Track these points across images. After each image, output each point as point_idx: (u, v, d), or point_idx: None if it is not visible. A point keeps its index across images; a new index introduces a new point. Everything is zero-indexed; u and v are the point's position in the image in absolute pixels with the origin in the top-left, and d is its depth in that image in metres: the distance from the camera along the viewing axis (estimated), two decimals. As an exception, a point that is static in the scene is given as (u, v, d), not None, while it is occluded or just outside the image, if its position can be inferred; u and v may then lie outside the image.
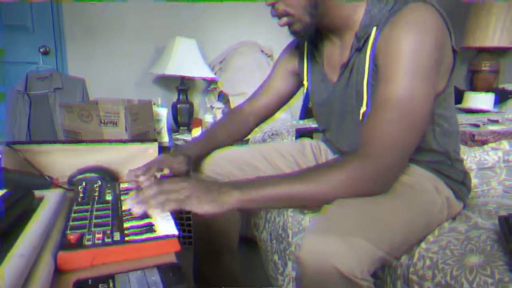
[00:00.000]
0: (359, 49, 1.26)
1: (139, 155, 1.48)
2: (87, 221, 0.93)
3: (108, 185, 1.25)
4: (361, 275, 0.97)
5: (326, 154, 1.69)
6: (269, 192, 1.13)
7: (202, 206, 1.07)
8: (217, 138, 1.64)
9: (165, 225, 0.94)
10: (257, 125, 1.76)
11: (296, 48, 1.58)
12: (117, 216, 0.98)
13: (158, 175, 1.31)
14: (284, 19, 1.26)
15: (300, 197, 1.14)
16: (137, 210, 1.02)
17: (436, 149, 1.33)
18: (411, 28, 1.10)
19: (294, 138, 2.57)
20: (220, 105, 3.78)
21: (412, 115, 1.10)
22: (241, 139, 1.76)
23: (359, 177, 1.11)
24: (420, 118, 1.12)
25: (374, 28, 1.20)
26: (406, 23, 1.11)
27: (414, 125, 1.12)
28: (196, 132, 3.06)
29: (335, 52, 1.39)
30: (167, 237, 0.89)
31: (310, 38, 1.38)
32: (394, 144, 1.11)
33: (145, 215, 1.01)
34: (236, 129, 1.72)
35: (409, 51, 1.09)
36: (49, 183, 1.24)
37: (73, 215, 0.97)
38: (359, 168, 1.11)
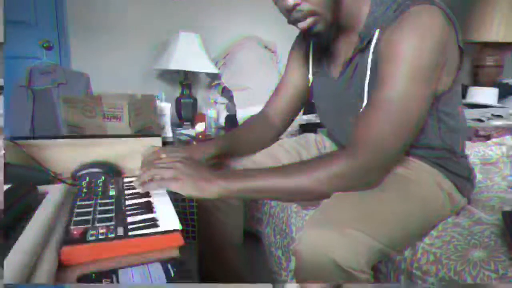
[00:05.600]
0: (362, 49, 1.26)
1: (142, 150, 1.48)
2: (91, 216, 0.93)
3: (112, 180, 1.25)
4: (358, 267, 0.97)
5: (330, 149, 1.69)
6: (254, 183, 1.15)
7: (184, 190, 1.12)
8: (238, 140, 1.59)
9: (168, 220, 0.94)
10: (285, 125, 1.71)
11: (303, 40, 1.58)
12: (120, 211, 0.98)
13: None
14: (310, 20, 1.21)
15: (284, 190, 1.15)
16: (136, 185, 1.15)
17: (441, 146, 1.33)
18: (412, 32, 1.10)
19: (297, 133, 2.57)
20: (223, 100, 3.78)
21: (403, 118, 1.11)
22: (269, 143, 1.68)
23: (343, 173, 1.12)
24: (411, 122, 1.13)
25: (377, 30, 1.20)
26: (408, 27, 1.11)
27: (404, 128, 1.12)
28: (200, 127, 3.05)
29: (339, 49, 1.38)
30: (170, 231, 0.89)
31: (329, 37, 1.33)
32: (381, 144, 1.11)
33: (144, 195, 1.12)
34: (261, 134, 1.66)
35: (408, 55, 1.09)
36: (52, 178, 1.24)
37: (76, 210, 0.97)
38: (344, 165, 1.12)
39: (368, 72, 1.23)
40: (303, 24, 1.22)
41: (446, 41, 1.14)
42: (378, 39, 1.19)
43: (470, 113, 2.74)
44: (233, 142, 1.54)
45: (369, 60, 1.23)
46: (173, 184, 1.11)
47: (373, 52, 1.21)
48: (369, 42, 1.23)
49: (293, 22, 1.23)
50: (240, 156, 1.57)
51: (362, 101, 1.26)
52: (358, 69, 1.28)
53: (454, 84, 1.27)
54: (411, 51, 1.09)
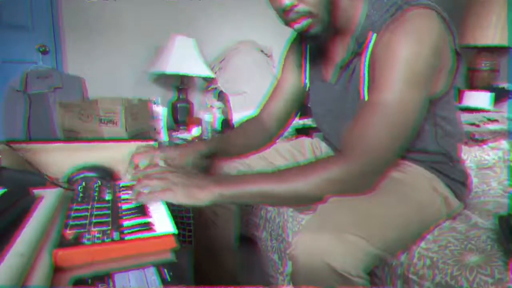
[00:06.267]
0: (359, 53, 1.26)
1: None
2: (85, 220, 0.93)
3: (107, 184, 1.25)
4: (355, 272, 0.97)
5: (326, 153, 1.68)
6: (251, 190, 1.14)
7: (178, 200, 1.11)
8: (230, 142, 1.59)
9: (163, 224, 0.94)
10: (280, 129, 1.71)
11: (299, 43, 1.57)
12: (116, 214, 0.98)
13: (161, 163, 1.32)
14: (306, 21, 1.20)
15: (279, 195, 1.14)
16: (131, 197, 1.13)
17: (437, 151, 1.33)
18: (409, 36, 1.10)
19: (292, 136, 2.56)
20: (219, 104, 3.78)
21: (398, 121, 1.11)
22: (263, 147, 1.67)
23: (339, 178, 1.11)
24: (406, 126, 1.13)
25: (374, 34, 1.20)
26: (405, 31, 1.11)
27: (399, 132, 1.12)
28: (196, 131, 3.05)
29: (334, 52, 1.38)
30: (165, 235, 0.89)
31: (325, 40, 1.33)
32: (377, 148, 1.11)
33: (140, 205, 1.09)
34: (255, 137, 1.65)
35: (404, 60, 1.09)
36: (47, 181, 1.24)
37: (72, 214, 0.97)
38: (340, 169, 1.11)
39: (365, 76, 1.23)
40: (300, 25, 1.22)
41: (443, 45, 1.14)
42: (375, 43, 1.19)
43: (466, 117, 2.74)
44: (225, 144, 1.54)
45: (366, 64, 1.23)
46: (165, 195, 1.11)
47: (370, 56, 1.21)
48: (366, 46, 1.23)
49: (290, 23, 1.23)
50: (231, 157, 1.58)
51: (359, 105, 1.26)
52: (355, 74, 1.28)
53: (450, 89, 1.27)
54: (407, 55, 1.09)
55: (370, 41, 1.21)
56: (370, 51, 1.21)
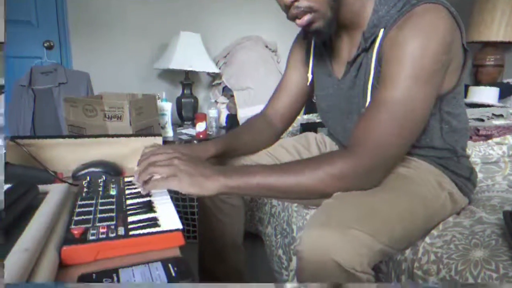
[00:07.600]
0: (366, 49, 1.25)
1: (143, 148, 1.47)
2: (91, 216, 0.93)
3: (112, 179, 1.25)
4: (360, 268, 0.97)
5: (330, 148, 1.68)
6: (256, 181, 1.14)
7: (183, 188, 1.10)
8: (239, 140, 1.56)
9: (169, 219, 0.94)
10: (286, 126, 1.71)
11: (303, 39, 1.57)
12: (121, 210, 0.98)
13: None
14: (307, 17, 1.19)
15: (284, 188, 1.14)
16: (136, 185, 1.16)
17: (442, 146, 1.33)
18: (417, 31, 1.09)
19: (298, 132, 2.56)
20: (224, 99, 3.78)
21: (406, 118, 1.11)
22: (270, 143, 1.67)
23: (345, 173, 1.11)
24: (414, 122, 1.13)
25: (382, 29, 1.19)
26: (413, 26, 1.10)
27: (407, 128, 1.12)
28: (200, 126, 3.05)
29: (343, 48, 1.38)
30: (171, 231, 0.89)
31: (329, 36, 1.33)
32: (384, 145, 1.11)
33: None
34: (261, 134, 1.64)
35: (413, 56, 1.09)
36: (53, 177, 1.24)
37: (77, 209, 0.97)
38: (346, 164, 1.11)
39: (372, 72, 1.23)
40: (301, 21, 1.21)
41: (451, 41, 1.13)
42: (382, 39, 1.19)
43: (471, 113, 2.73)
44: (233, 143, 1.52)
45: (373, 60, 1.22)
46: (171, 182, 1.10)
47: (377, 52, 1.21)
48: (373, 41, 1.22)
49: (292, 18, 1.23)
50: (240, 156, 1.57)
51: (366, 101, 1.25)
52: (362, 69, 1.28)
53: (457, 84, 1.26)
54: (416, 51, 1.08)
55: (378, 37, 1.21)
56: (377, 46, 1.21)
